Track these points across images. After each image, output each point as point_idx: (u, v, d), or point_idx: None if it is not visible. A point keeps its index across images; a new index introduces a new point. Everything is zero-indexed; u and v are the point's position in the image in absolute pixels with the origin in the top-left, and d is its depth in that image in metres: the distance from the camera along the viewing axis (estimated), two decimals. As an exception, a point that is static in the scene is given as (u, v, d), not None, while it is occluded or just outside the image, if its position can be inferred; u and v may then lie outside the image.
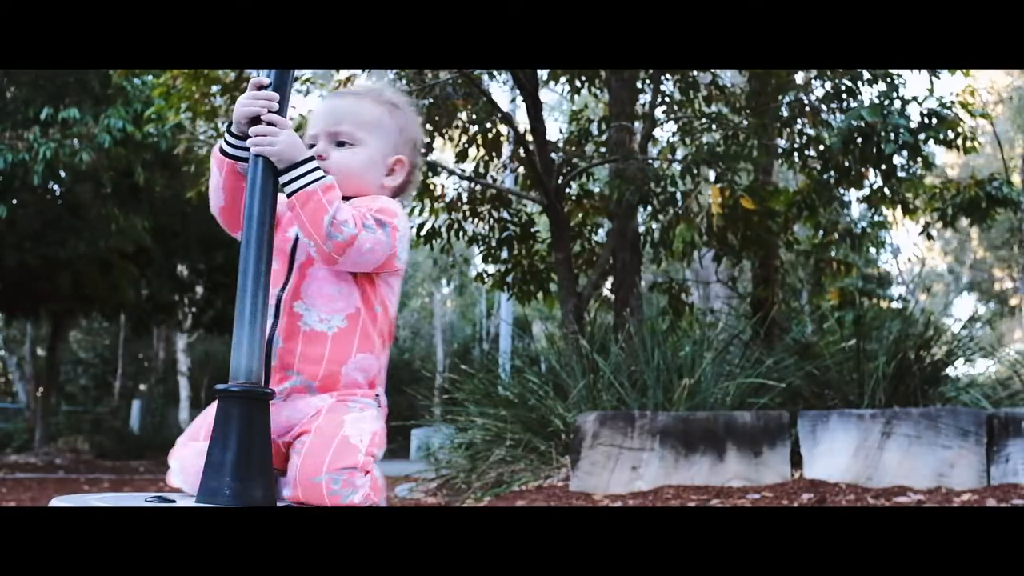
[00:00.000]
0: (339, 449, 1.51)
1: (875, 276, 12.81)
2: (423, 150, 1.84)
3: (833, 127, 6.06)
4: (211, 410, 1.57)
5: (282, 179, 1.56)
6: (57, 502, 1.46)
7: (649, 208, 6.05)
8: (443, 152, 13.52)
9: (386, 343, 1.67)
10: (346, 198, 1.61)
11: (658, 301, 7.55)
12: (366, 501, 1.51)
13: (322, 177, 1.56)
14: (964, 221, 6.47)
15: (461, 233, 7.24)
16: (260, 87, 1.57)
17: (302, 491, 1.50)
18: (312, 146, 1.65)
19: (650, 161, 6.15)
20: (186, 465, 1.56)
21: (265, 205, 1.54)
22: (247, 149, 1.56)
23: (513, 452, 4.75)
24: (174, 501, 1.49)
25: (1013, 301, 20.85)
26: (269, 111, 1.56)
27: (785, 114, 6.37)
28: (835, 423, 3.96)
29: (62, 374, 17.32)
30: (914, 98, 5.59)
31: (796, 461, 4.08)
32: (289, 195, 1.57)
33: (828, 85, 6.15)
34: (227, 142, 1.60)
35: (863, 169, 5.91)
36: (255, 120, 1.56)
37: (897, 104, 5.47)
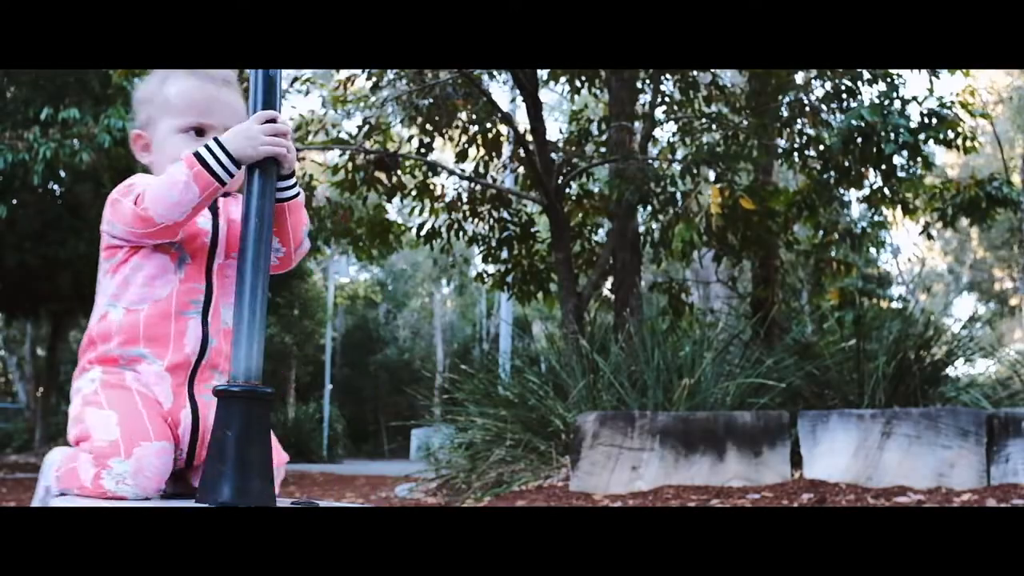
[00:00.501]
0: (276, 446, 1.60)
1: (875, 276, 12.82)
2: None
3: (833, 127, 6.07)
4: (141, 408, 1.51)
5: (283, 183, 1.59)
6: (57, 502, 1.46)
7: (649, 208, 6.06)
8: (443, 152, 13.51)
9: None
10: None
11: (658, 301, 7.55)
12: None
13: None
14: (964, 221, 6.47)
15: (461, 233, 7.24)
16: (270, 120, 1.52)
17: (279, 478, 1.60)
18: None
19: (650, 161, 6.15)
20: (144, 466, 1.46)
21: (265, 206, 1.54)
22: (232, 175, 1.52)
23: (513, 452, 4.75)
24: (177, 498, 1.49)
25: (1013, 301, 20.86)
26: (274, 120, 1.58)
27: (785, 114, 6.37)
28: (835, 423, 3.96)
29: (62, 374, 17.31)
30: (914, 98, 5.59)
31: (796, 461, 4.08)
32: (288, 199, 1.61)
33: (828, 85, 6.16)
34: (225, 168, 1.51)
35: (863, 169, 5.91)
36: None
37: (897, 104, 5.47)
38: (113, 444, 1.46)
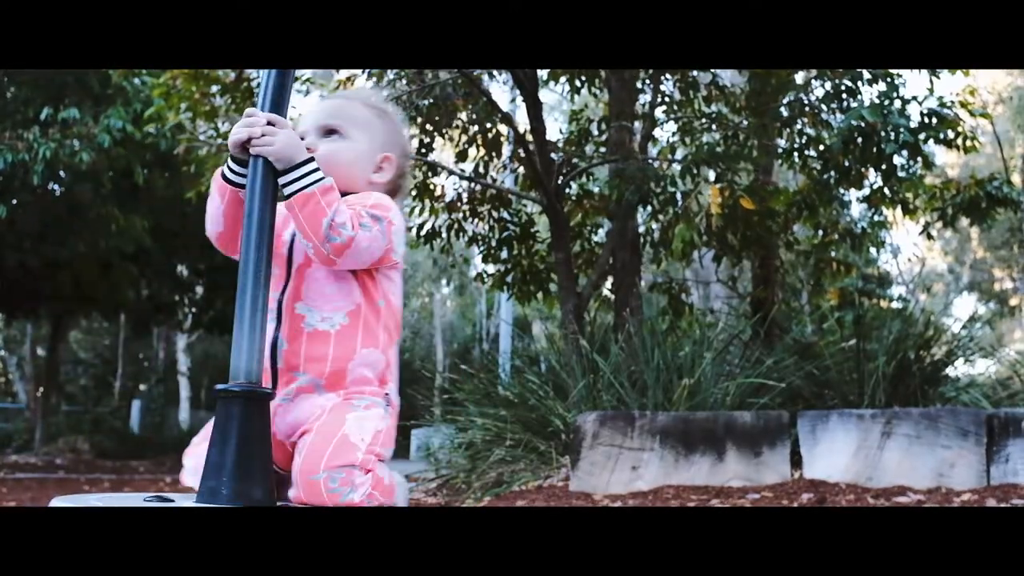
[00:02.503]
0: (338, 447, 1.50)
1: (875, 276, 12.82)
2: (411, 161, 1.86)
3: (833, 127, 6.06)
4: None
5: (281, 180, 1.55)
6: (57, 502, 1.46)
7: (649, 208, 6.05)
8: (443, 152, 13.50)
9: (393, 337, 1.67)
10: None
11: (658, 301, 7.55)
12: (370, 500, 1.49)
13: (322, 179, 1.56)
14: (964, 221, 6.47)
15: (461, 233, 7.24)
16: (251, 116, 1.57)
17: (303, 490, 1.50)
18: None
19: (650, 161, 6.15)
20: (199, 464, 1.54)
21: (265, 206, 1.54)
22: (233, 172, 1.58)
23: (513, 452, 4.75)
24: (173, 501, 1.49)
25: (1013, 301, 20.85)
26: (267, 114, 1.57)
27: (785, 114, 6.36)
28: (835, 423, 3.96)
29: (62, 374, 17.32)
30: (914, 98, 5.59)
31: (796, 461, 4.08)
32: (288, 196, 1.56)
33: (828, 85, 6.15)
34: (230, 168, 1.60)
35: (863, 169, 5.91)
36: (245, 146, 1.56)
37: (897, 104, 5.46)
38: (190, 444, 1.66)
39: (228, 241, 1.66)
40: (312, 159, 1.57)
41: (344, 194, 1.63)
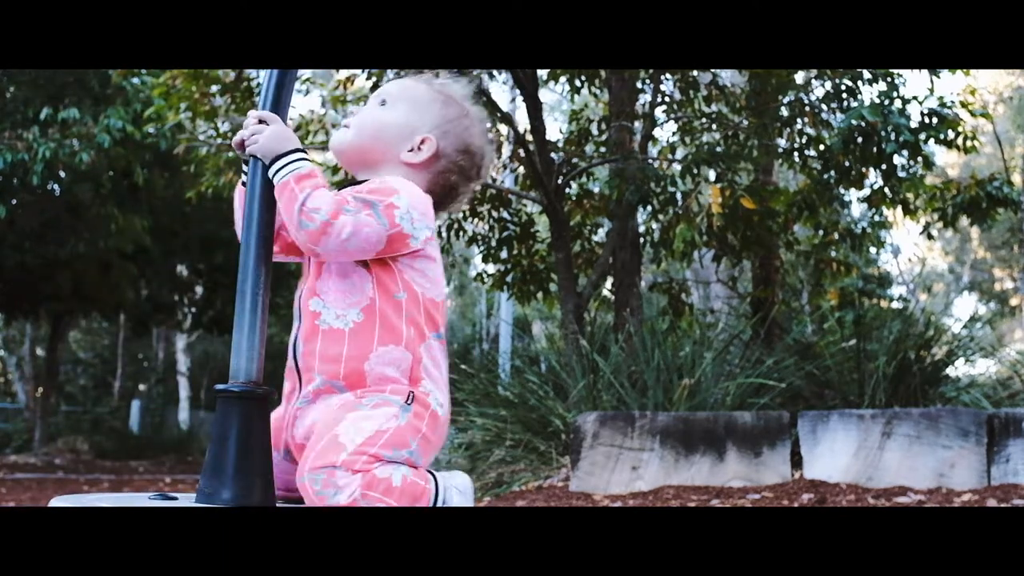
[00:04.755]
0: (323, 448, 1.45)
1: (875, 276, 12.82)
2: (476, 164, 1.71)
3: (833, 127, 6.06)
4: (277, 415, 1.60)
5: (268, 173, 1.55)
6: (57, 502, 1.46)
7: (649, 208, 6.05)
8: (443, 152, 13.47)
9: (424, 330, 1.56)
10: (360, 182, 1.61)
11: (658, 301, 7.54)
12: (366, 502, 1.43)
13: (299, 167, 1.52)
14: (964, 221, 6.46)
15: (461, 233, 7.24)
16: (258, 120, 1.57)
17: (300, 491, 1.49)
18: None
19: (650, 161, 6.15)
20: None
21: (263, 205, 1.54)
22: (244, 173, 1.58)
23: (513, 452, 4.75)
24: (176, 499, 1.49)
25: (1013, 301, 20.85)
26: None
27: (785, 114, 6.36)
28: (835, 423, 3.96)
29: (62, 374, 17.32)
30: (914, 98, 5.59)
31: (796, 461, 4.08)
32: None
33: (828, 85, 6.15)
34: (242, 171, 1.60)
35: (863, 169, 5.90)
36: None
37: (897, 104, 5.46)
38: None
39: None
40: (297, 150, 1.54)
41: (361, 179, 1.62)
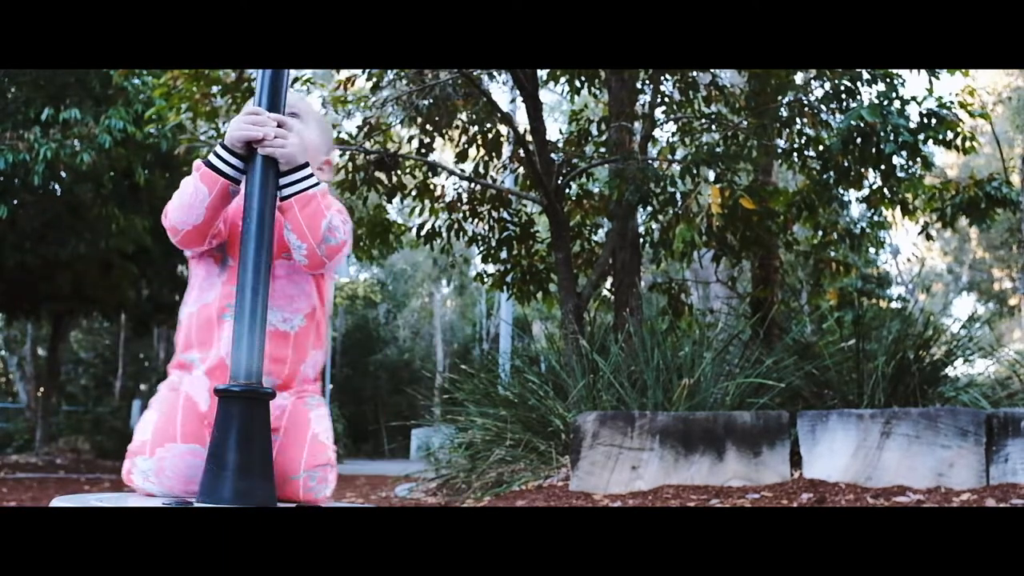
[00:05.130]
0: (312, 447, 1.57)
1: (874, 276, 12.83)
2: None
3: (832, 127, 6.06)
4: (178, 410, 1.59)
5: (283, 180, 1.56)
6: (57, 502, 1.46)
7: (649, 208, 6.05)
8: (443, 152, 13.51)
9: (325, 340, 1.73)
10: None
11: (658, 301, 7.55)
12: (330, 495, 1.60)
13: (318, 183, 1.59)
14: (963, 221, 6.47)
15: (461, 233, 7.24)
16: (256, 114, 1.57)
17: (287, 487, 1.54)
18: None
19: (650, 161, 6.15)
20: (165, 467, 1.55)
21: (267, 205, 1.54)
22: (242, 171, 1.55)
23: (513, 452, 4.75)
24: (191, 503, 1.49)
25: (1012, 301, 20.85)
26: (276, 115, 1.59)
27: (784, 114, 6.36)
28: (834, 423, 3.96)
29: (62, 374, 17.32)
30: (913, 98, 5.59)
31: (795, 461, 4.09)
32: (287, 196, 1.57)
33: (827, 85, 6.15)
34: (223, 160, 1.56)
35: (862, 169, 5.91)
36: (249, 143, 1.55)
37: (896, 104, 5.46)
38: (143, 443, 1.58)
39: (200, 235, 1.60)
40: (309, 163, 1.60)
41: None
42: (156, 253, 11.97)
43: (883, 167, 5.78)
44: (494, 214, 7.19)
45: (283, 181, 1.56)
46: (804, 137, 6.37)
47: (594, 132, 7.23)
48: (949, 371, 5.43)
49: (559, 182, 6.36)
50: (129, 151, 9.33)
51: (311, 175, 1.58)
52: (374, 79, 6.77)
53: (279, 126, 1.55)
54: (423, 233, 7.22)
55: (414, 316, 24.67)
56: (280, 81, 1.60)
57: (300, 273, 1.64)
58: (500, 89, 9.56)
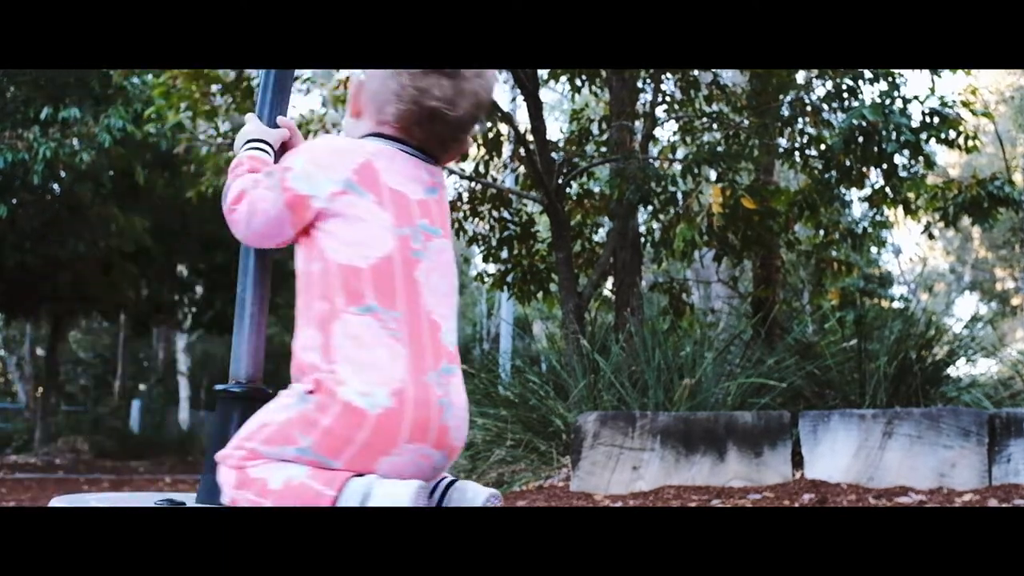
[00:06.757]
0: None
1: (876, 276, 12.82)
2: (439, 80, 1.44)
3: (834, 126, 6.06)
4: None
5: None
6: (57, 502, 1.46)
7: (650, 208, 6.05)
8: (443, 152, 13.44)
9: (338, 306, 1.34)
10: None
11: (658, 301, 7.54)
12: (241, 501, 1.32)
13: (239, 158, 1.48)
14: (966, 220, 6.46)
15: (461, 233, 7.23)
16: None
17: None
18: None
19: (651, 161, 6.15)
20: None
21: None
22: None
23: (513, 452, 4.75)
24: (184, 503, 1.49)
25: (1015, 301, 20.85)
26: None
27: (786, 113, 6.36)
28: (836, 423, 3.96)
29: (62, 374, 17.33)
30: (915, 97, 5.58)
31: (797, 461, 4.08)
32: None
33: (829, 84, 6.15)
34: None
35: (864, 168, 5.90)
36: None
37: (898, 103, 5.46)
38: None
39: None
40: (248, 141, 1.49)
41: None
42: (156, 253, 11.99)
43: (885, 166, 5.77)
44: (495, 214, 7.19)
45: None
46: (806, 136, 6.36)
47: (595, 131, 7.23)
48: (951, 371, 5.43)
49: (560, 181, 6.35)
50: (129, 150, 9.34)
51: (234, 156, 1.49)
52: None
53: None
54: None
55: (414, 316, 24.63)
56: (279, 81, 1.60)
57: (297, 247, 1.42)
58: (500, 89, 9.56)
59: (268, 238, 1.41)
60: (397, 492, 1.27)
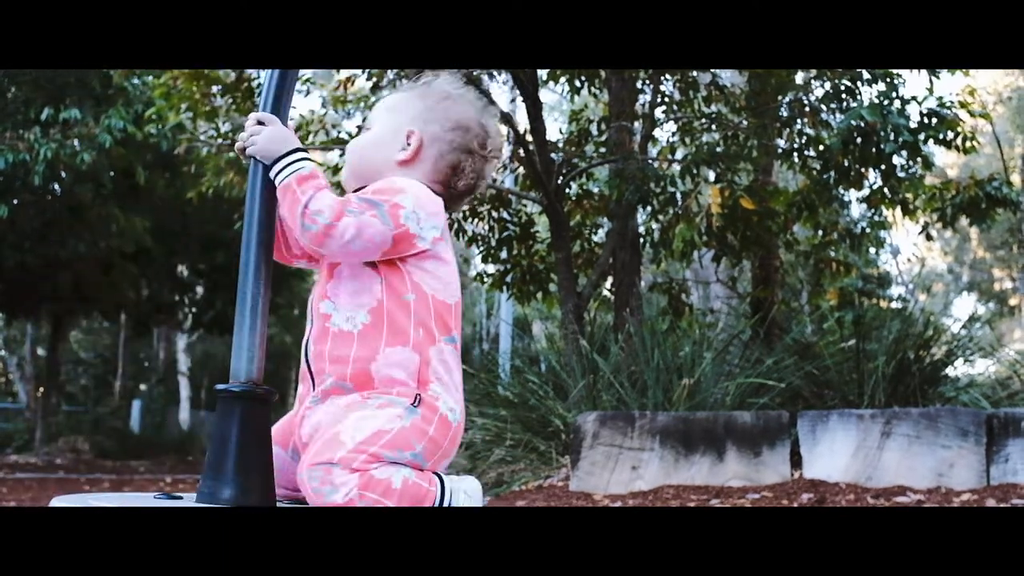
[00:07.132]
0: (324, 444, 1.45)
1: (875, 276, 12.81)
2: (479, 136, 1.70)
3: (833, 127, 6.06)
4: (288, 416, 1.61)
5: (270, 176, 1.54)
6: (57, 502, 1.46)
7: (649, 208, 6.05)
8: (443, 152, 13.43)
9: (434, 333, 1.55)
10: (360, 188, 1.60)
11: (658, 301, 7.54)
12: (361, 501, 1.42)
13: (300, 168, 1.52)
14: (964, 221, 6.46)
15: (461, 233, 7.24)
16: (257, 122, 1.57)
17: (301, 488, 1.49)
18: None
19: (650, 161, 6.15)
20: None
21: (263, 206, 1.54)
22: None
23: (513, 452, 4.75)
24: (182, 498, 1.49)
25: (1012, 301, 20.85)
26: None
27: (785, 114, 6.36)
28: (835, 423, 3.96)
29: (62, 374, 17.31)
30: (914, 98, 5.59)
31: (796, 461, 4.09)
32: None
33: (828, 85, 6.15)
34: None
35: (863, 169, 5.90)
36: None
37: (897, 104, 5.46)
38: None
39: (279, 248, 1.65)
40: (298, 150, 1.54)
41: (364, 185, 1.61)
42: (156, 253, 11.98)
43: (883, 167, 5.78)
44: (494, 214, 7.19)
45: (270, 176, 1.54)
46: (804, 137, 6.36)
47: (594, 132, 7.23)
48: (949, 371, 5.43)
49: (559, 182, 6.36)
50: (129, 151, 9.34)
51: (291, 163, 1.52)
52: (374, 79, 6.77)
53: (260, 124, 1.55)
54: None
55: (414, 316, 24.64)
56: (281, 81, 1.60)
57: (361, 268, 1.53)
58: (500, 89, 9.56)
59: (354, 256, 1.53)
60: (474, 487, 1.53)
